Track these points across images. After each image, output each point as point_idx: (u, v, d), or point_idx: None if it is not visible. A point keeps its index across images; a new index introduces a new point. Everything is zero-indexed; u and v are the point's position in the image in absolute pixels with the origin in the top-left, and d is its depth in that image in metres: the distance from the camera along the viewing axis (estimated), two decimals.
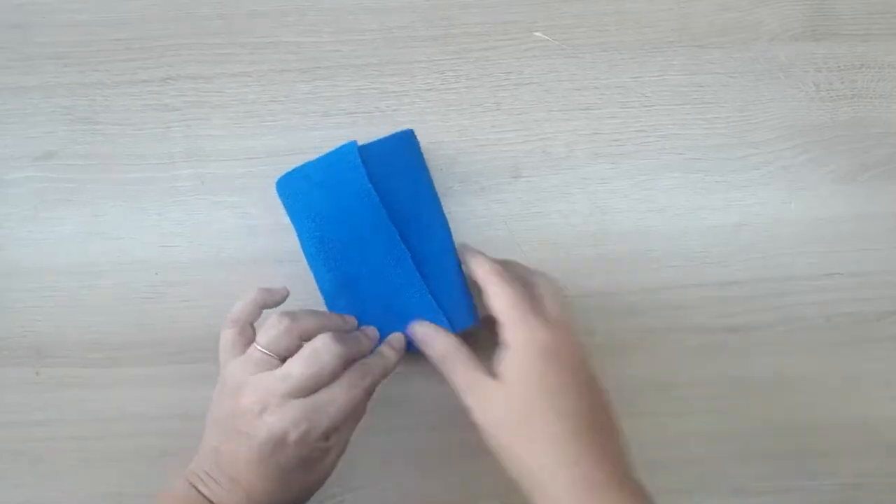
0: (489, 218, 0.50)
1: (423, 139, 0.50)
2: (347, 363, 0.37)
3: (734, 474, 0.47)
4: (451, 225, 0.46)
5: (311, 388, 0.36)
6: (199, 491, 0.36)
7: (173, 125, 0.51)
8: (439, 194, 0.47)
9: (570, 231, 0.49)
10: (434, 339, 0.39)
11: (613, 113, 0.51)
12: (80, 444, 0.47)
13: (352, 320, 0.41)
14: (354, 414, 0.38)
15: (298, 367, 0.35)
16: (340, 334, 0.38)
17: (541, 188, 0.50)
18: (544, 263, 0.48)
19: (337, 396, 0.36)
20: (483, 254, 0.42)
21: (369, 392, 0.38)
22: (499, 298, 0.37)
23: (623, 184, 0.50)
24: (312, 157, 0.45)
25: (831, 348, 0.48)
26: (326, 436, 0.36)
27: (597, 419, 0.36)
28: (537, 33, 0.52)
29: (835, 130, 0.51)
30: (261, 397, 0.35)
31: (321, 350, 0.36)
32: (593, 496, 0.33)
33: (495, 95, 0.51)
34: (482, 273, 0.39)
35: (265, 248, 0.49)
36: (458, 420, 0.47)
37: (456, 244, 0.44)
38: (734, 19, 0.52)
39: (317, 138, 0.50)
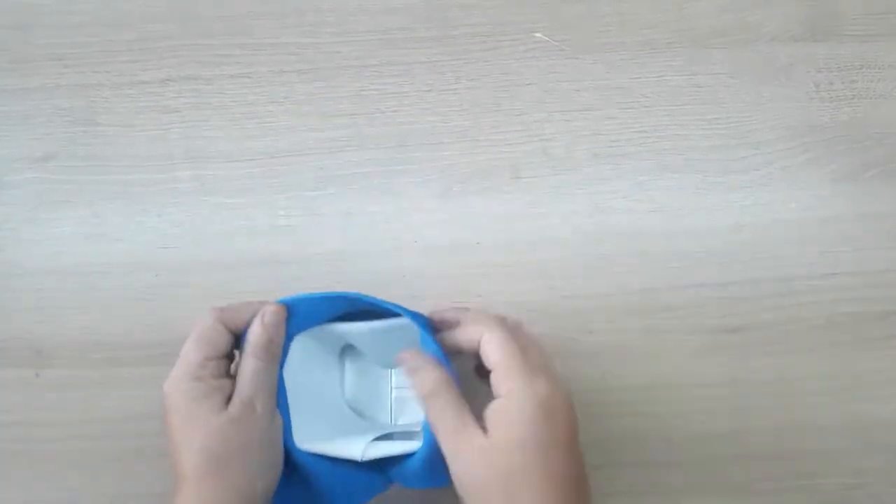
0: (489, 218, 0.50)
1: (424, 140, 0.50)
2: None
3: (734, 474, 0.47)
4: (452, 226, 0.46)
5: None
6: None
7: (173, 126, 0.51)
8: (440, 196, 0.48)
9: (570, 231, 0.49)
10: (424, 370, 0.36)
11: (613, 114, 0.51)
12: (80, 444, 0.47)
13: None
14: None
15: None
16: None
17: (541, 189, 0.50)
18: (545, 264, 0.49)
19: None
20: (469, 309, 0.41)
21: None
22: (496, 346, 0.35)
23: (623, 184, 0.50)
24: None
25: (831, 348, 0.48)
26: None
27: (579, 482, 0.34)
28: (537, 34, 0.52)
29: (835, 131, 0.51)
30: None
31: None
32: None
33: (495, 96, 0.51)
34: (483, 319, 0.37)
35: (265, 249, 0.49)
36: None
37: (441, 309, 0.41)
38: (734, 20, 0.52)
39: (317, 139, 0.50)
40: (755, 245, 0.49)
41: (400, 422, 0.44)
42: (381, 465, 0.39)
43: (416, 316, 0.39)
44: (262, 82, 0.51)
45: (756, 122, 0.51)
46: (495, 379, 0.34)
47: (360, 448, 0.38)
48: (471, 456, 0.33)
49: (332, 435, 0.40)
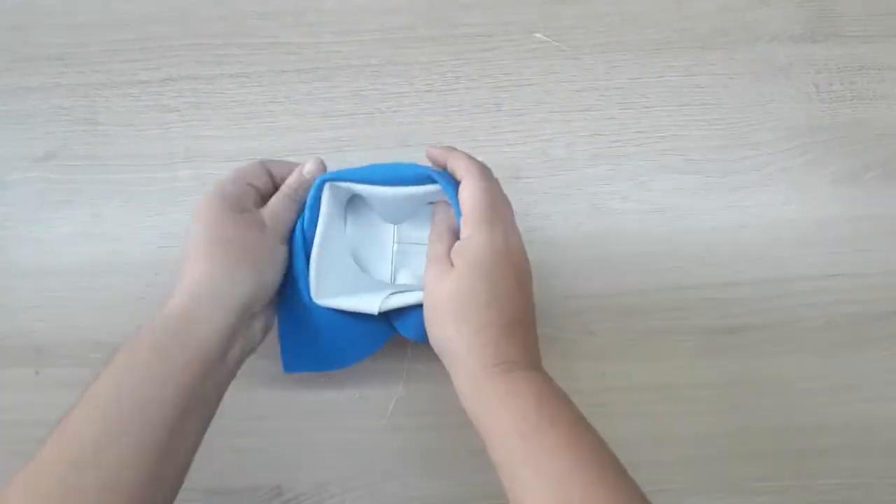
0: None
1: (424, 140, 0.50)
2: None
3: (734, 474, 0.47)
4: None
5: None
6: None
7: (173, 126, 0.51)
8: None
9: (570, 232, 0.49)
10: (446, 214, 0.42)
11: (613, 114, 0.51)
12: None
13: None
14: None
15: None
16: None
17: (541, 189, 0.50)
18: (545, 264, 0.49)
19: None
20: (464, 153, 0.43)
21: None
22: (469, 194, 0.39)
23: (623, 185, 0.50)
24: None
25: (831, 348, 0.48)
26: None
27: (526, 319, 0.38)
28: (537, 35, 0.52)
29: (835, 131, 0.51)
30: None
31: None
32: (507, 376, 0.36)
33: (495, 97, 0.51)
34: (463, 165, 0.40)
35: None
36: (459, 420, 0.47)
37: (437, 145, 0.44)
38: (734, 20, 0.52)
39: (316, 139, 0.50)
40: (755, 245, 0.49)
41: (399, 275, 0.46)
42: (388, 316, 0.42)
43: (445, 182, 0.41)
44: (261, 82, 0.51)
45: (756, 122, 0.51)
46: (463, 222, 0.39)
47: (375, 303, 0.41)
48: (438, 280, 0.38)
49: (346, 291, 0.42)
